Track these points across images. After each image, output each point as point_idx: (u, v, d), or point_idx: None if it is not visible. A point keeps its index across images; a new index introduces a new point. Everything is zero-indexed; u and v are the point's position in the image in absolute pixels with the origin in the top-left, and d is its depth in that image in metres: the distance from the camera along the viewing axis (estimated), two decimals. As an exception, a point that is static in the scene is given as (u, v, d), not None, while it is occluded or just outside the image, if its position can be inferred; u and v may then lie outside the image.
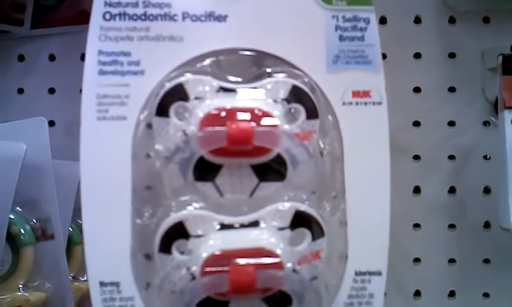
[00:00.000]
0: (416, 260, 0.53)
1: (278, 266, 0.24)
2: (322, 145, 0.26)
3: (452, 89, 0.52)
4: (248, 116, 0.25)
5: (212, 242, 0.24)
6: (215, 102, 0.25)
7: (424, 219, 0.53)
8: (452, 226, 0.53)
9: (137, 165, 0.25)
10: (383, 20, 0.52)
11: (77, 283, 0.47)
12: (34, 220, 0.46)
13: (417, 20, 0.52)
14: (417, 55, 0.52)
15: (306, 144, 0.26)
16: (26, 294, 0.43)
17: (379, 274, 0.26)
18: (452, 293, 0.53)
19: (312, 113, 0.26)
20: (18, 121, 0.47)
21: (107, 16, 0.26)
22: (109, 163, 0.25)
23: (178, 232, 0.24)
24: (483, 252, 0.52)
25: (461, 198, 0.52)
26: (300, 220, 0.25)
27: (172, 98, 0.25)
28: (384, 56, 0.51)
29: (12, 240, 0.45)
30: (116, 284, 0.24)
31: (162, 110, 0.25)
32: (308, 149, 0.26)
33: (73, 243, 0.47)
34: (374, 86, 0.27)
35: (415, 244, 0.53)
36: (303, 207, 0.25)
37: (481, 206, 0.52)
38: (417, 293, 0.53)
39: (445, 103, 0.52)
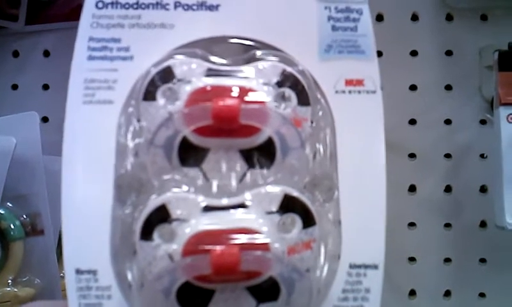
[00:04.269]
0: (412, 259, 0.53)
1: (265, 248, 0.23)
2: (314, 133, 0.26)
3: (448, 87, 0.52)
4: (235, 93, 0.24)
5: (194, 223, 0.23)
6: (202, 82, 0.25)
7: (420, 217, 0.52)
8: (447, 225, 0.52)
9: (121, 150, 0.25)
10: (379, 17, 0.51)
11: (68, 280, 0.46)
12: (25, 216, 0.45)
13: (414, 17, 0.51)
14: (414, 53, 0.52)
15: (299, 130, 0.25)
16: (15, 290, 0.43)
17: (376, 267, 0.25)
18: (447, 293, 0.52)
19: (303, 100, 0.26)
20: (9, 115, 0.46)
21: (100, 4, 0.26)
22: (93, 147, 0.25)
23: (160, 216, 0.24)
24: (479, 252, 0.52)
25: (457, 197, 0.52)
26: (290, 206, 0.24)
27: (159, 81, 0.25)
28: (380, 53, 0.51)
29: (1, 235, 0.44)
30: (93, 272, 0.24)
31: (149, 94, 0.25)
32: (300, 135, 0.25)
33: (65, 239, 0.46)
34: (367, 75, 0.26)
35: (410, 243, 0.53)
36: (293, 192, 0.24)
37: (477, 206, 0.52)
38: (412, 293, 0.53)
39: (442, 101, 0.52)
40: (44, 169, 0.45)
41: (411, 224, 0.52)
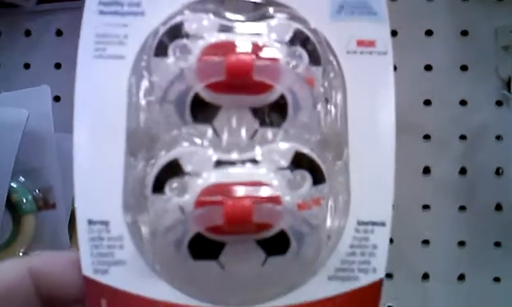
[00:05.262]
0: (425, 242, 0.52)
1: (276, 201, 0.23)
2: (324, 93, 0.26)
3: (464, 68, 0.51)
4: (248, 48, 0.24)
5: (206, 176, 0.23)
6: (215, 38, 0.25)
7: (434, 200, 0.52)
8: (462, 208, 0.51)
9: (133, 106, 0.25)
10: (394, -4, 0.51)
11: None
12: (37, 190, 0.45)
13: (429, -3, 0.51)
14: (429, 33, 0.51)
15: (311, 89, 0.25)
16: (26, 262, 0.43)
17: (383, 224, 0.25)
18: (461, 277, 0.52)
19: (315, 59, 0.25)
20: (21, 90, 0.47)
21: None
22: (104, 101, 0.25)
23: (172, 170, 0.24)
24: (494, 235, 0.51)
25: (472, 179, 0.51)
26: (300, 162, 0.24)
27: (171, 36, 0.25)
28: (395, 33, 0.50)
29: (13, 208, 0.44)
30: (105, 223, 0.24)
31: (160, 50, 0.25)
32: (312, 93, 0.25)
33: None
34: (379, 36, 0.26)
35: (424, 226, 0.52)
36: (304, 149, 0.24)
37: (493, 188, 0.51)
38: (425, 276, 0.52)
39: (457, 81, 0.51)
40: (56, 146, 0.46)
41: (425, 207, 0.52)
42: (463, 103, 0.51)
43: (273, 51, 0.25)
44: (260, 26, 0.25)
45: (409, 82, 0.51)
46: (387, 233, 0.25)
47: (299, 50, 0.25)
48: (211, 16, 0.25)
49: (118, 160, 0.24)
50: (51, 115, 0.45)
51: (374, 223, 0.25)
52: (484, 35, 0.50)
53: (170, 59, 0.24)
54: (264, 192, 0.23)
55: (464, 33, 0.51)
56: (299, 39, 0.25)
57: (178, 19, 0.25)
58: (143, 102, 0.25)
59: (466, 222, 0.51)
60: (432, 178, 0.52)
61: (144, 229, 0.24)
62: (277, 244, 0.24)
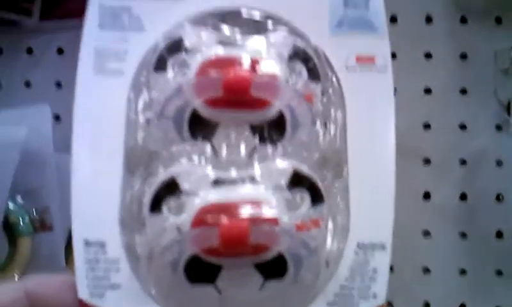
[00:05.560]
0: (426, 270, 0.51)
1: (274, 222, 0.23)
2: (324, 109, 0.25)
3: (463, 91, 0.51)
4: (246, 64, 0.24)
5: (203, 196, 0.23)
6: (213, 52, 0.24)
7: (434, 226, 0.51)
8: (463, 235, 0.51)
9: (131, 122, 0.24)
10: (393, 19, 0.51)
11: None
12: (34, 212, 0.45)
13: (428, 20, 0.51)
14: (428, 56, 0.51)
15: (310, 105, 0.25)
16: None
17: (383, 247, 0.24)
18: (462, 306, 0.51)
19: (314, 75, 0.25)
20: (21, 108, 0.46)
21: None
22: (103, 117, 0.24)
23: (169, 189, 0.23)
24: (495, 263, 0.50)
25: (472, 205, 0.51)
26: (298, 181, 0.24)
27: (171, 51, 0.25)
28: (394, 56, 0.50)
29: (10, 229, 0.44)
30: (102, 244, 0.23)
31: (160, 65, 0.25)
32: (310, 110, 0.25)
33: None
34: (378, 52, 0.26)
35: (424, 253, 0.51)
36: (302, 168, 0.24)
37: (493, 214, 0.50)
38: (426, 305, 0.51)
39: (457, 105, 0.51)
40: (55, 166, 0.45)
41: (426, 233, 0.51)
42: (463, 127, 0.51)
43: (272, 67, 0.24)
44: (260, 41, 0.25)
45: (408, 105, 0.50)
46: (388, 256, 0.24)
47: (299, 66, 0.25)
48: (210, 30, 0.25)
49: (116, 178, 0.24)
50: (51, 135, 0.44)
51: (374, 245, 0.24)
52: (484, 58, 0.50)
53: (169, 74, 0.24)
54: (262, 212, 0.22)
55: (464, 56, 0.51)
56: (299, 55, 0.25)
57: (177, 34, 0.25)
58: (141, 118, 0.24)
59: (467, 249, 0.51)
60: (433, 204, 0.51)
61: (141, 251, 0.23)
62: (275, 268, 0.23)
